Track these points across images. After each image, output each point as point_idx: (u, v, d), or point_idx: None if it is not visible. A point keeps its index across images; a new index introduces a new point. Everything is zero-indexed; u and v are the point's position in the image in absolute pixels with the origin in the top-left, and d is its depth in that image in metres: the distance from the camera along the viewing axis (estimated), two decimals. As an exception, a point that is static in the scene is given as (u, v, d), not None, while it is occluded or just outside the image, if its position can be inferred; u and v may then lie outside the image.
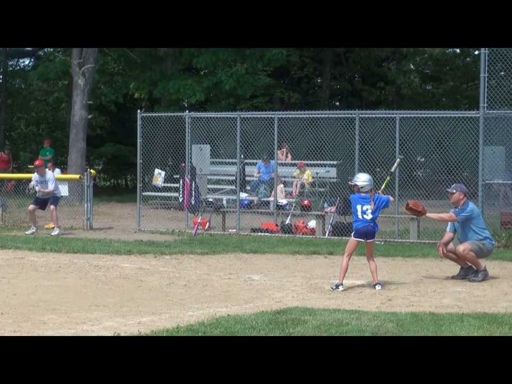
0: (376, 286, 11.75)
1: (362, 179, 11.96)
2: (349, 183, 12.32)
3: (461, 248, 12.54)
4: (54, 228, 19.18)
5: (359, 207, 11.83)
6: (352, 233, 12.00)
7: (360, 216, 11.82)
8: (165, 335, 8.21)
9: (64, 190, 23.25)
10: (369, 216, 11.79)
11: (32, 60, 42.50)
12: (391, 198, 12.30)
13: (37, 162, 20.82)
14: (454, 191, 12.81)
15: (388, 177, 12.94)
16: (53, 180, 20.09)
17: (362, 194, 11.86)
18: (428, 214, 12.84)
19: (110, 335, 8.28)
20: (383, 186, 12.59)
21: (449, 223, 12.99)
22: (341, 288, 11.63)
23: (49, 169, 28.73)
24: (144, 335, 8.22)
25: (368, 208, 11.78)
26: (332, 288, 11.67)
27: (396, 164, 13.32)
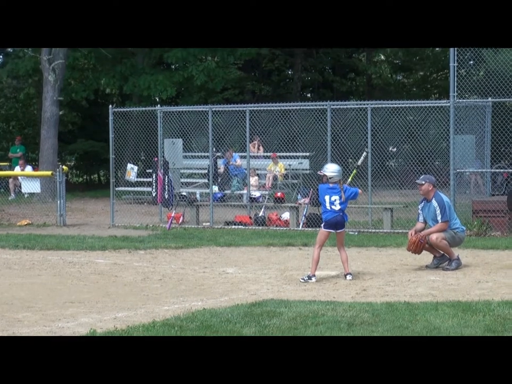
0: (347, 276, 11.78)
1: (331, 169, 12.02)
2: (318, 173, 12.37)
3: (434, 236, 12.62)
4: None
5: (327, 197, 11.88)
6: (322, 224, 12.06)
7: (328, 207, 11.87)
8: (141, 330, 8.20)
9: (36, 187, 23.17)
10: (337, 207, 11.84)
11: (0, 57, 42.15)
12: (360, 191, 12.38)
13: None
14: (423, 182, 12.89)
15: (355, 171, 13.02)
16: None
17: (330, 184, 11.92)
18: (423, 234, 12.73)
19: (85, 331, 8.26)
20: (349, 179, 12.67)
21: (420, 214, 13.07)
22: (313, 279, 11.63)
23: (21, 166, 28.74)
24: (120, 335, 8.21)
25: (336, 199, 11.83)
26: (303, 279, 11.68)
27: (362, 157, 13.40)
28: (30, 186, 23.46)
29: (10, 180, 27.50)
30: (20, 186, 25.04)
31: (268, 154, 24.72)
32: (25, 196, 25.26)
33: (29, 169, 28.62)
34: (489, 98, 17.62)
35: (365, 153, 13.81)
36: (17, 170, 28.76)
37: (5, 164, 32.75)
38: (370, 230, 17.92)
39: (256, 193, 22.34)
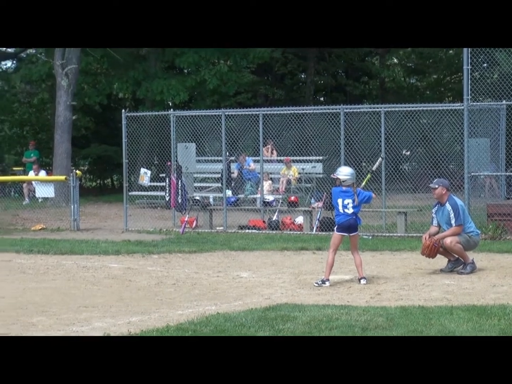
0: (361, 281, 11.74)
1: (344, 172, 11.98)
2: (331, 176, 12.35)
3: (448, 240, 12.57)
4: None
5: (340, 201, 11.83)
6: (335, 228, 12.01)
7: (341, 210, 11.83)
8: (154, 334, 8.19)
9: (50, 192, 23.22)
10: (350, 210, 11.78)
11: (14, 62, 42.31)
12: (373, 195, 12.32)
13: None
14: (437, 186, 12.86)
15: (369, 175, 12.96)
16: None
17: (343, 188, 11.87)
18: (437, 238, 12.75)
19: (99, 335, 8.24)
20: (363, 183, 12.60)
21: (434, 218, 13.02)
22: (327, 283, 11.59)
23: (35, 171, 28.81)
24: (135, 335, 8.20)
25: (349, 202, 11.78)
26: (317, 283, 11.64)
27: (377, 163, 13.34)
28: (44, 191, 23.54)
29: (25, 185, 27.55)
30: (34, 191, 25.12)
31: (281, 158, 24.69)
32: (39, 200, 25.33)
33: (43, 174, 28.67)
34: (504, 101, 17.55)
35: (380, 159, 13.74)
36: (31, 175, 28.83)
37: (19, 168, 32.85)
38: (384, 234, 17.86)
39: (270, 197, 22.31)
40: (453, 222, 12.64)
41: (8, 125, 42.01)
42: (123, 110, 21.00)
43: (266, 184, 22.68)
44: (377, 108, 19.80)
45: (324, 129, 20.08)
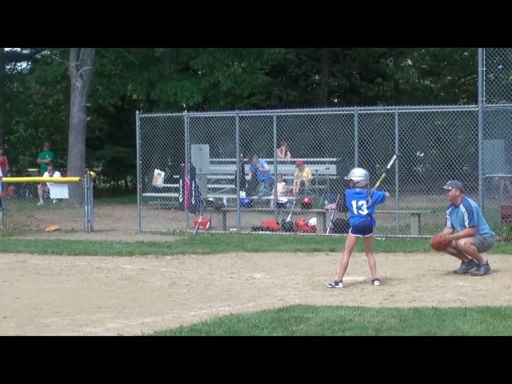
0: (375, 282, 11.72)
1: (357, 174, 11.97)
2: (345, 177, 12.35)
3: (463, 241, 12.54)
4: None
5: (354, 202, 11.82)
6: (350, 229, 12.00)
7: (355, 212, 11.81)
8: (168, 335, 8.20)
9: (64, 193, 23.29)
10: (364, 212, 11.77)
11: (29, 63, 42.50)
12: (387, 194, 12.29)
13: None
14: (450, 188, 12.81)
15: (384, 174, 12.93)
16: None
17: (357, 189, 11.86)
18: (451, 237, 12.75)
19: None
20: (378, 183, 12.58)
21: (447, 219, 12.99)
22: (340, 285, 11.58)
23: (49, 172, 28.89)
24: (148, 335, 8.21)
25: (363, 203, 11.76)
26: (330, 284, 11.63)
27: (392, 161, 13.30)
28: (58, 192, 23.60)
29: (39, 186, 27.65)
30: (48, 192, 25.19)
31: (294, 159, 24.68)
32: (54, 201, 25.40)
33: (57, 175, 28.79)
34: (519, 103, 17.48)
35: (395, 156, 13.72)
36: (45, 176, 28.93)
37: (33, 169, 32.97)
38: (397, 235, 17.83)
39: (283, 199, 22.31)
40: (466, 223, 12.61)
41: (23, 126, 42.24)
42: (137, 112, 21.03)
43: (280, 186, 22.69)
44: (391, 110, 19.75)
45: (338, 130, 20.06)
